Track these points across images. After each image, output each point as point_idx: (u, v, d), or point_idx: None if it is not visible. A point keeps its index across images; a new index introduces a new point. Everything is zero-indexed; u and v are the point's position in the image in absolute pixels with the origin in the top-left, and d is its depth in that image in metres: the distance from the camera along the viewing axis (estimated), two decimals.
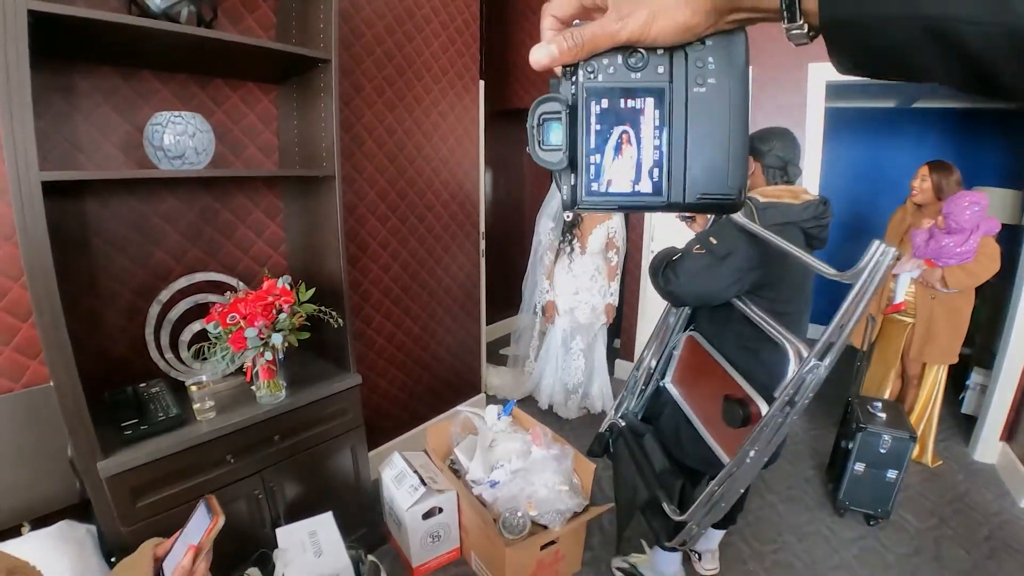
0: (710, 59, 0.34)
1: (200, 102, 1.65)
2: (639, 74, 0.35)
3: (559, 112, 0.36)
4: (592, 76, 0.35)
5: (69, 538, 1.33)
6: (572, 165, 0.36)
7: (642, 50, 0.35)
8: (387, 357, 2.39)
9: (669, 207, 0.36)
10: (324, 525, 1.58)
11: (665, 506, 1.43)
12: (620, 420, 1.66)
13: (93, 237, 1.49)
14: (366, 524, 1.91)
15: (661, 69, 0.35)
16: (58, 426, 1.27)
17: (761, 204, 1.41)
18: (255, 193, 1.83)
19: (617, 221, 2.91)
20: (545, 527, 1.68)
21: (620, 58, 0.35)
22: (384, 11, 2.11)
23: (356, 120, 2.07)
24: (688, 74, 0.34)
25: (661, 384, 1.63)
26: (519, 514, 1.64)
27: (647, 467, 1.50)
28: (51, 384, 1.21)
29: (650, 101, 0.35)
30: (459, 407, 2.11)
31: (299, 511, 1.62)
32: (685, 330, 1.58)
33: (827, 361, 1.08)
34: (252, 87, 1.77)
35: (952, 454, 2.81)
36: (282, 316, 1.50)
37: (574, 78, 0.36)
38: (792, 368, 1.11)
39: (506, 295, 4.36)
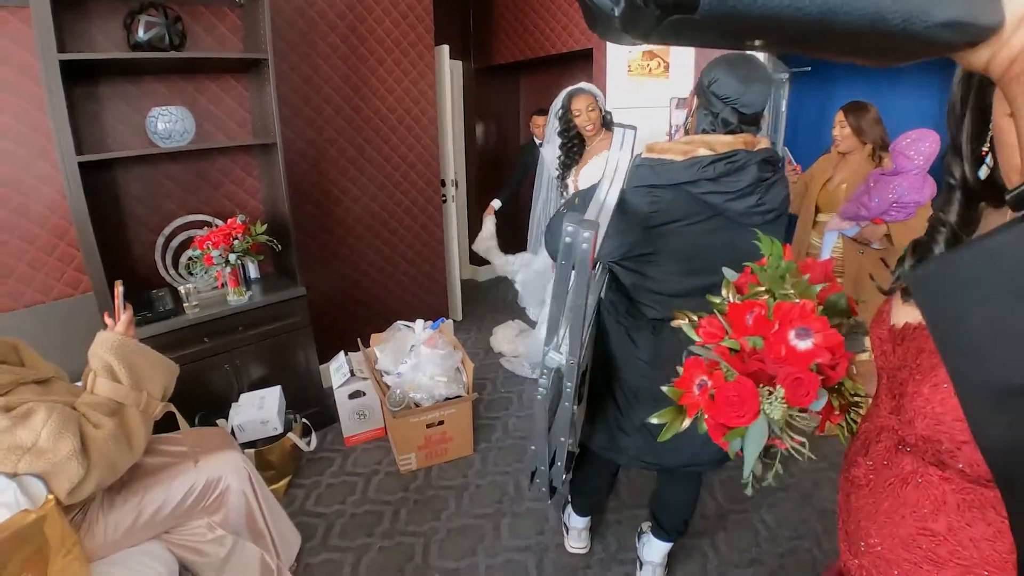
0: None
1: (189, 94, 2.60)
2: None
3: None
4: None
5: None
6: None
7: None
8: (352, 283, 3.32)
9: (899, 38, 0.22)
10: (272, 394, 2.57)
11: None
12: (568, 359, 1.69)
13: (122, 195, 2.53)
14: (320, 405, 2.91)
15: None
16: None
17: (638, 161, 1.28)
18: (235, 156, 2.79)
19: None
20: (419, 405, 2.51)
21: None
22: (335, 0, 2.90)
23: (314, 93, 2.93)
24: None
25: None
26: (397, 392, 2.49)
27: (543, 420, 1.41)
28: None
29: None
30: (399, 322, 2.96)
31: (260, 386, 2.61)
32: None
33: (564, 351, 1.09)
34: (227, 77, 2.69)
35: None
36: (236, 242, 2.45)
37: None
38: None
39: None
